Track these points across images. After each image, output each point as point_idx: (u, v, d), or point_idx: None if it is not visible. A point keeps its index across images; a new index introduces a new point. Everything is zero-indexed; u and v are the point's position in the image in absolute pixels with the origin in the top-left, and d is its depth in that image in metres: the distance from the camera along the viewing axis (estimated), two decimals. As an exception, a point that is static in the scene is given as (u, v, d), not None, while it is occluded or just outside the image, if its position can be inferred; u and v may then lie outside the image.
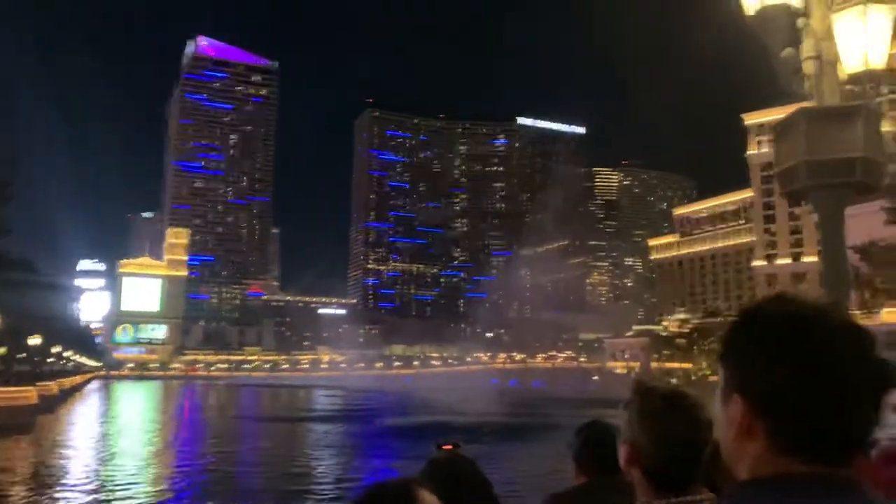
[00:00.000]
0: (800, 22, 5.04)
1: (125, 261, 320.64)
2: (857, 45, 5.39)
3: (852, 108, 4.89)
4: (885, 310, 46.32)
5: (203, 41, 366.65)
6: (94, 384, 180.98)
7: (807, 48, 5.03)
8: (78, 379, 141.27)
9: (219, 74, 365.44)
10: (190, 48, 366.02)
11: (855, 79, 5.37)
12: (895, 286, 41.00)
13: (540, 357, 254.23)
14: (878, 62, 5.39)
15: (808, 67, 5.00)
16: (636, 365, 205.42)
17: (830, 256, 4.96)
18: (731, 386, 1.36)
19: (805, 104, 5.05)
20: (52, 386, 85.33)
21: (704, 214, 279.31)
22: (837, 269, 4.93)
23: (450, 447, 3.26)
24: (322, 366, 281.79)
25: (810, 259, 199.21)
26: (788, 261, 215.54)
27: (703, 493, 2.13)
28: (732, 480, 1.36)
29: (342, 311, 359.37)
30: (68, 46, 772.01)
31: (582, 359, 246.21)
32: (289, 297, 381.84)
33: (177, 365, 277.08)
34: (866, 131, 4.72)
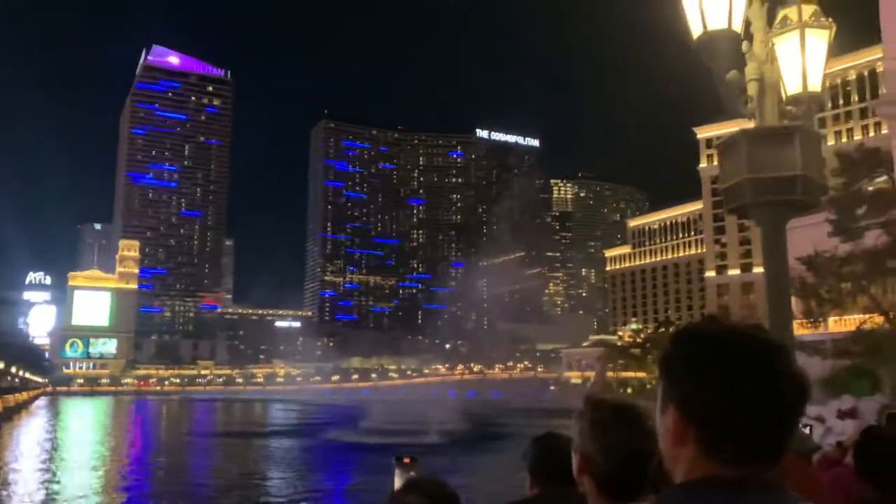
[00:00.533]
0: (744, 46, 5.29)
1: (74, 273, 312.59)
2: (796, 68, 5.68)
3: (791, 128, 5.15)
4: (832, 318, 47.80)
5: (156, 51, 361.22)
6: (42, 401, 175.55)
7: (749, 71, 5.28)
8: (24, 396, 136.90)
9: (172, 84, 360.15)
10: (143, 58, 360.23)
11: (794, 100, 5.65)
12: (839, 296, 42.40)
13: (497, 368, 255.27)
14: (815, 84, 5.68)
15: (751, 89, 5.24)
16: (592, 375, 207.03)
17: (772, 269, 5.19)
18: (667, 397, 1.53)
19: (749, 124, 5.32)
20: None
21: (657, 226, 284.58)
22: (779, 282, 5.16)
23: (408, 460, 3.33)
24: (278, 379, 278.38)
25: (759, 270, 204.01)
26: (738, 272, 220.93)
27: (651, 500, 2.06)
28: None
29: (298, 324, 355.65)
30: (17, 54, 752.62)
31: (539, 369, 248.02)
32: (242, 310, 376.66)
33: (128, 380, 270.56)
34: (805, 151, 4.98)
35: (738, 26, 5.08)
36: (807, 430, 4.89)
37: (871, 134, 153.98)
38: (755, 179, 4.98)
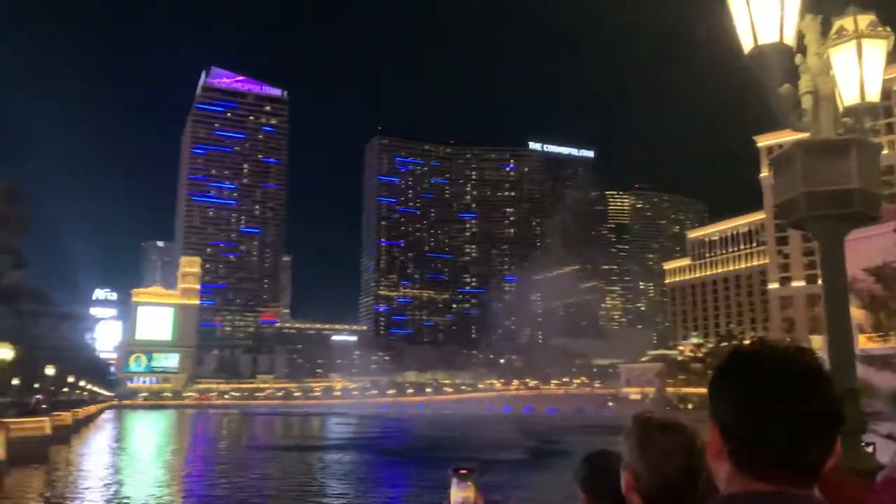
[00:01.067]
0: (797, 58, 5.23)
1: (138, 290, 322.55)
2: (853, 79, 5.58)
3: (847, 141, 5.05)
4: (902, 332, 45.91)
5: (215, 72, 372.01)
6: (108, 414, 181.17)
7: (803, 84, 5.22)
8: (92, 409, 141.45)
9: (230, 104, 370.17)
10: (202, 79, 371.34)
11: (851, 111, 5.55)
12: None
13: (553, 383, 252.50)
14: (874, 94, 5.57)
15: (805, 102, 5.18)
16: (651, 390, 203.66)
17: (830, 283, 5.09)
18: (711, 414, 1.67)
19: (803, 137, 5.24)
20: (66, 416, 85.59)
21: (717, 237, 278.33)
22: (838, 295, 5.07)
23: (465, 471, 3.37)
24: (335, 393, 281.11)
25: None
26: (803, 283, 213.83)
27: None
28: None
29: (354, 338, 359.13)
30: (81, 79, 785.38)
31: (596, 385, 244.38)
32: (300, 325, 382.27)
33: (190, 394, 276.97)
34: (861, 163, 4.89)
35: (789, 39, 5.02)
36: (870, 449, 4.77)
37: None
38: (811, 193, 4.91)
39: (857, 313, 59.93)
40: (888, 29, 5.63)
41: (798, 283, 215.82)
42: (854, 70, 5.56)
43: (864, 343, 55.93)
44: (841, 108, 5.53)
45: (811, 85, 5.20)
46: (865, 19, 5.59)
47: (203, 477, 54.09)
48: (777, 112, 5.13)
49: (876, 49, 5.58)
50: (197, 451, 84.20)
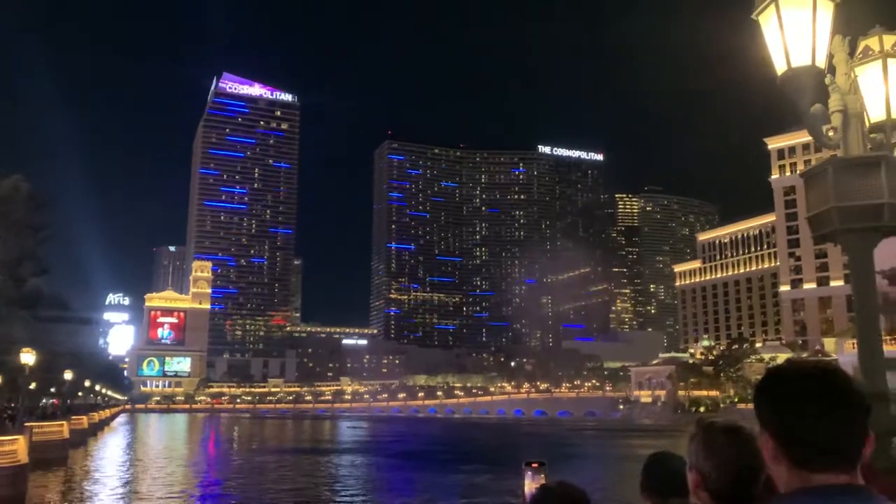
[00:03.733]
0: (827, 79, 5.48)
1: (151, 294, 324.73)
2: (880, 96, 5.83)
3: (876, 157, 5.30)
4: (916, 335, 45.99)
5: (226, 77, 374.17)
6: (122, 418, 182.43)
7: (833, 102, 5.46)
8: (107, 413, 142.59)
9: (241, 110, 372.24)
10: (214, 85, 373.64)
11: (878, 127, 5.80)
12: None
13: (564, 386, 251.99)
14: (900, 111, 5.81)
15: (835, 120, 5.43)
16: (662, 393, 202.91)
17: (861, 294, 5.33)
18: (761, 424, 2.05)
19: (834, 153, 5.51)
20: (83, 420, 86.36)
21: (727, 240, 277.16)
22: (868, 306, 5.31)
23: (536, 465, 3.70)
24: (345, 397, 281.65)
25: (837, 283, 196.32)
26: (814, 286, 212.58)
27: None
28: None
29: (364, 342, 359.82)
30: (97, 85, 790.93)
31: (608, 387, 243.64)
32: (311, 328, 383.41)
33: (202, 398, 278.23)
34: (890, 179, 5.14)
35: (821, 62, 5.28)
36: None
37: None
38: (842, 208, 5.16)
39: (871, 316, 59.89)
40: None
41: (810, 286, 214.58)
42: (880, 88, 5.81)
43: (878, 346, 55.99)
44: (868, 125, 5.78)
45: (840, 104, 5.45)
46: (891, 39, 5.84)
47: (217, 481, 54.52)
48: (809, 130, 5.38)
49: (901, 67, 5.83)
50: (210, 454, 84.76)
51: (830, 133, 5.36)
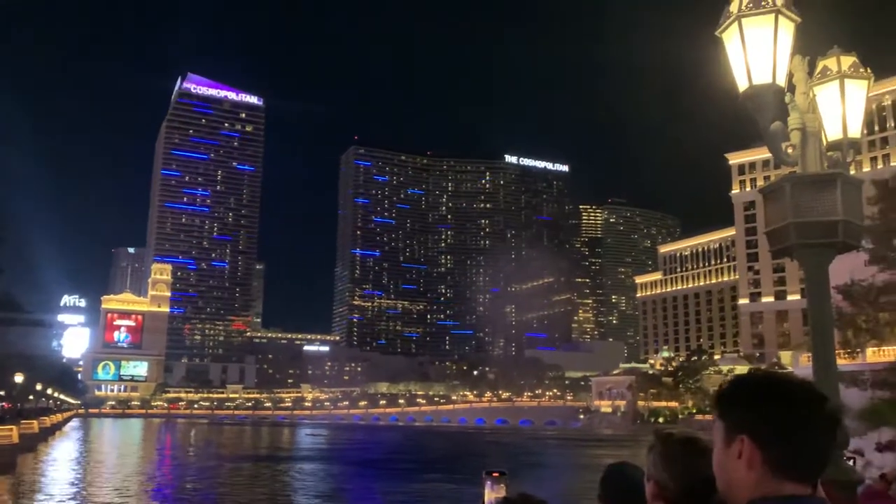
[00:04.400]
0: (787, 98, 5.60)
1: (108, 296, 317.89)
2: (836, 116, 5.97)
3: (833, 175, 5.42)
4: (870, 349, 47.02)
5: (191, 79, 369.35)
6: (75, 422, 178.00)
7: (792, 121, 5.58)
8: (59, 417, 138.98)
9: (205, 111, 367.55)
10: (178, 85, 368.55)
11: (835, 146, 5.93)
12: (877, 326, 41.69)
13: (526, 395, 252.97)
14: (855, 131, 5.96)
15: (794, 138, 5.54)
16: (622, 403, 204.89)
17: (816, 308, 5.43)
18: (736, 430, 2.06)
19: (792, 170, 5.63)
20: (34, 424, 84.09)
21: (688, 252, 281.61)
22: (823, 320, 5.41)
23: (497, 474, 3.65)
24: (305, 404, 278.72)
25: (794, 297, 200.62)
26: (772, 299, 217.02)
27: None
28: None
29: (326, 348, 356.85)
30: (55, 82, 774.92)
31: (569, 397, 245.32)
32: (271, 334, 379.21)
33: (158, 403, 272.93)
34: (845, 196, 5.26)
35: (782, 80, 5.39)
36: (850, 462, 5.09)
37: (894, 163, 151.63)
38: (799, 224, 5.26)
39: (825, 330, 61.18)
40: (869, 70, 6.04)
41: (768, 299, 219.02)
42: (837, 107, 5.95)
43: (831, 359, 57.17)
44: (825, 143, 5.91)
45: (799, 122, 5.56)
46: (848, 60, 5.99)
47: (168, 487, 53.46)
48: (769, 147, 5.48)
49: (858, 88, 5.98)
50: (164, 460, 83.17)
51: (789, 150, 5.47)
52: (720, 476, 2.13)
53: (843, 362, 50.14)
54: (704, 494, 2.59)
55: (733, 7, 5.35)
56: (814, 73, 6.00)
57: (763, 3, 5.22)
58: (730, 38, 5.45)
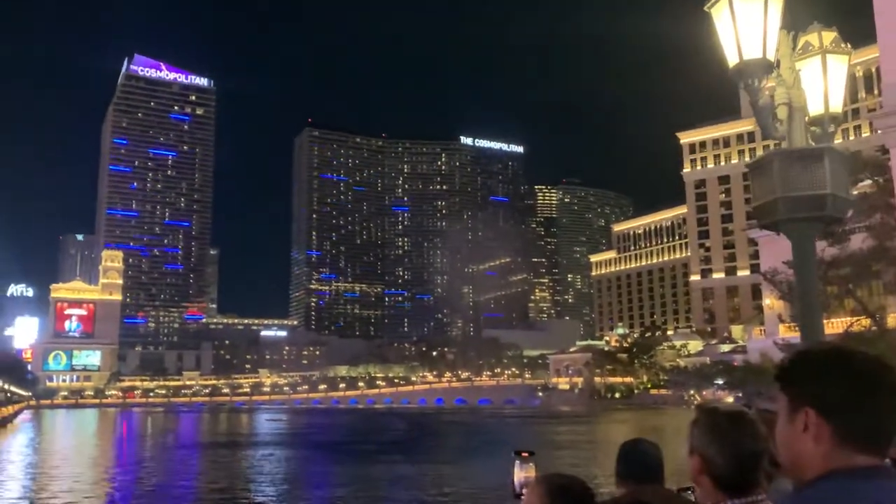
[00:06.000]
0: (775, 73, 5.66)
1: (57, 285, 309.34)
2: (818, 91, 6.05)
3: (820, 149, 5.50)
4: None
5: (139, 60, 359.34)
6: (26, 415, 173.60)
7: (779, 96, 5.63)
8: (9, 409, 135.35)
9: (155, 93, 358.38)
10: (125, 67, 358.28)
11: (817, 121, 6.02)
12: (827, 299, 43.02)
13: (485, 375, 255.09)
14: (837, 106, 6.06)
15: (781, 113, 5.60)
16: (579, 380, 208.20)
17: (803, 280, 5.53)
18: (799, 403, 2.03)
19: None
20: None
21: (641, 231, 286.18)
22: (809, 292, 5.51)
23: (526, 454, 3.74)
24: (264, 389, 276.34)
25: (744, 273, 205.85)
26: (723, 275, 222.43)
27: (762, 493, 2.69)
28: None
29: (284, 333, 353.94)
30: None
31: (527, 375, 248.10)
32: (227, 320, 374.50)
33: (113, 392, 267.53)
34: (833, 170, 5.34)
35: (771, 55, 5.43)
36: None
37: (866, 134, 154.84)
38: (787, 198, 5.33)
39: (776, 304, 62.99)
40: (849, 45, 6.14)
41: (718, 275, 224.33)
42: (819, 82, 6.03)
43: (783, 332, 58.89)
44: (808, 118, 5.99)
45: (786, 97, 5.62)
46: (829, 36, 6.07)
47: (125, 478, 52.50)
48: (758, 121, 5.53)
49: (839, 63, 6.07)
50: (120, 450, 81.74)
51: (777, 125, 5.53)
52: (785, 452, 2.09)
53: (793, 335, 51.67)
54: (750, 469, 2.64)
55: (722, -18, 5.36)
56: (795, 49, 6.07)
57: (753, -22, 5.24)
58: (719, 12, 5.47)
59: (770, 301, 65.71)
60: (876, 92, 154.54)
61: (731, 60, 5.42)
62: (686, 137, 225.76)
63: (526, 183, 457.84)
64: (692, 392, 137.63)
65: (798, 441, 2.01)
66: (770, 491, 2.79)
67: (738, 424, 2.69)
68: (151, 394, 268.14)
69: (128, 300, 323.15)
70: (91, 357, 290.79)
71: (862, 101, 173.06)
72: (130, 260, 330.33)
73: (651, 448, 3.66)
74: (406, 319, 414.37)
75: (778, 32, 5.50)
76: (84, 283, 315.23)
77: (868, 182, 41.43)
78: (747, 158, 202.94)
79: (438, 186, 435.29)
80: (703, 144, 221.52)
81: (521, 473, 3.67)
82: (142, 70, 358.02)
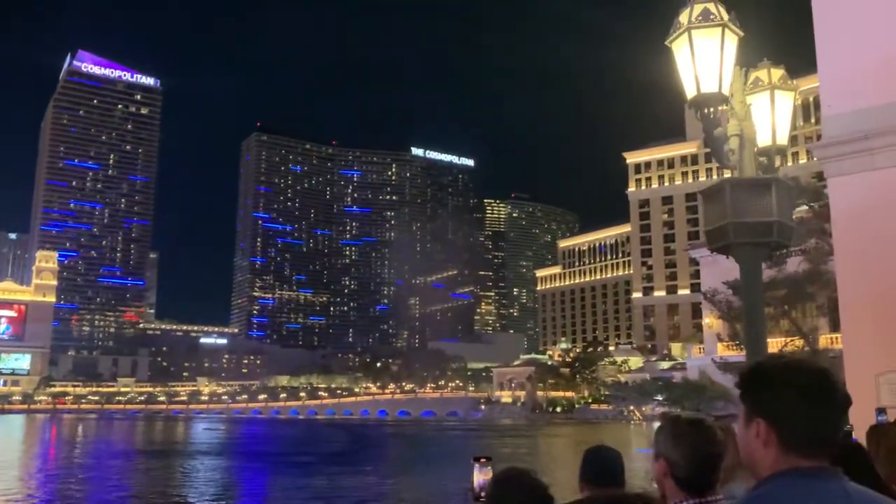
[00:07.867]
0: (728, 106, 6.02)
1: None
2: (766, 124, 6.44)
3: (769, 179, 5.87)
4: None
5: (81, 56, 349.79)
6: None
7: (731, 127, 6.00)
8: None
9: (97, 91, 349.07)
10: (67, 63, 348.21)
11: (765, 152, 6.41)
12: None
13: (429, 387, 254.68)
14: (783, 139, 6.46)
15: (732, 143, 5.95)
16: (522, 394, 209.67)
17: (750, 302, 5.87)
18: (754, 412, 2.25)
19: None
20: None
21: (586, 247, 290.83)
22: (756, 312, 5.84)
23: (484, 460, 3.84)
24: (202, 398, 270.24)
25: (684, 292, 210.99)
26: (664, 293, 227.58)
27: (719, 494, 2.99)
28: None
29: (224, 341, 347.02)
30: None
31: (471, 388, 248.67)
32: (165, 326, 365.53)
33: (43, 398, 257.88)
34: (780, 199, 5.71)
35: (726, 90, 5.79)
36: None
37: (803, 161, 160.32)
38: (738, 223, 5.67)
39: (716, 323, 64.76)
40: (795, 83, 6.56)
41: (660, 293, 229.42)
42: (767, 116, 6.43)
43: (721, 351, 60.57)
44: (756, 149, 6.37)
45: (738, 128, 5.98)
46: (778, 73, 6.49)
47: (53, 488, 50.69)
48: (712, 151, 5.87)
49: (786, 99, 6.49)
50: (47, 459, 78.86)
51: (730, 154, 5.88)
52: (743, 454, 2.32)
53: (731, 353, 53.26)
54: (710, 470, 2.93)
55: (683, 18, 5.70)
56: (746, 83, 6.45)
57: (711, 17, 5.58)
58: (679, 47, 5.80)
59: (710, 320, 67.55)
60: (813, 120, 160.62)
61: (690, 92, 5.75)
62: (632, 157, 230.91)
63: (475, 196, 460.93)
64: (632, 408, 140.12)
65: (752, 445, 2.24)
66: (724, 490, 3.06)
67: (699, 430, 2.96)
68: (84, 400, 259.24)
69: (62, 302, 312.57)
70: (20, 361, 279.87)
71: (800, 129, 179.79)
72: (66, 261, 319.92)
73: (613, 454, 3.89)
74: (351, 330, 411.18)
75: (732, 68, 5.86)
76: (16, 283, 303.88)
77: (805, 208, 42.98)
78: (690, 180, 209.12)
79: (388, 196, 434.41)
80: (647, 165, 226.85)
81: (480, 476, 3.86)
82: (85, 66, 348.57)
